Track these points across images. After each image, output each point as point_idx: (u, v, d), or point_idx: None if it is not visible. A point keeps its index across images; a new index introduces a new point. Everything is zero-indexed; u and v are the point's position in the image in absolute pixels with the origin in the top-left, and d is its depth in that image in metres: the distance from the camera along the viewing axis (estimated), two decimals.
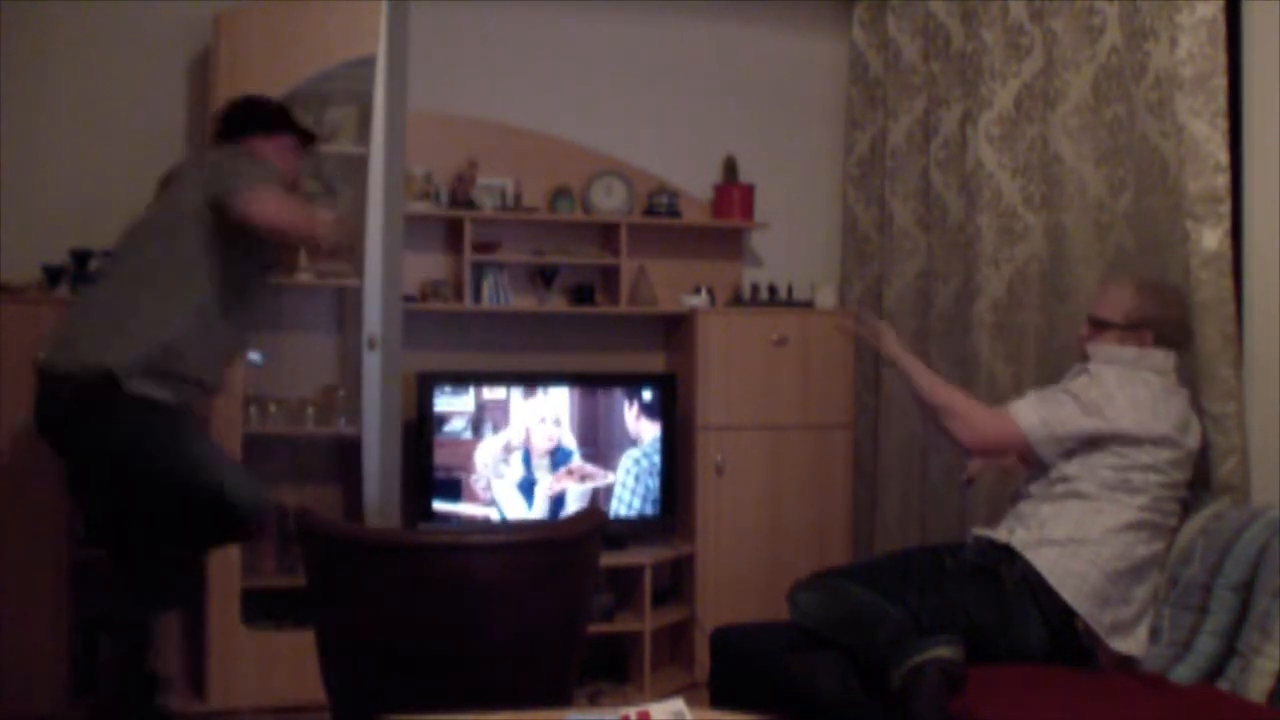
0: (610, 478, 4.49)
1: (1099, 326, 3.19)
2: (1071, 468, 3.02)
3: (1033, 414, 3.04)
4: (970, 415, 3.14)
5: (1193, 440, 3.06)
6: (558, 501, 4.44)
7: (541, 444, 4.41)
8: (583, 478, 4.46)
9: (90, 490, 3.44)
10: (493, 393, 4.41)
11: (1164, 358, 3.12)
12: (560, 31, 4.76)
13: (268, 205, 3.25)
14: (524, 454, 4.40)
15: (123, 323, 3.23)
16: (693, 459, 4.53)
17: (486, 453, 4.36)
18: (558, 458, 4.44)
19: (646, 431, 4.54)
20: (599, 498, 4.48)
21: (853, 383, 4.71)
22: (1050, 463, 3.05)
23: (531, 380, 4.47)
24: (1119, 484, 2.98)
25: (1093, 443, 2.99)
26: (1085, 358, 3.18)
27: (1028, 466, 3.19)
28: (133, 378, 3.16)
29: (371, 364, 4.01)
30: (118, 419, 3.20)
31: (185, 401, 3.32)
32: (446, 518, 4.30)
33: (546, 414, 4.44)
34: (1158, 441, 2.98)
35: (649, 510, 4.54)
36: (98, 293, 3.43)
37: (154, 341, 3.21)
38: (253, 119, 3.59)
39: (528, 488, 4.40)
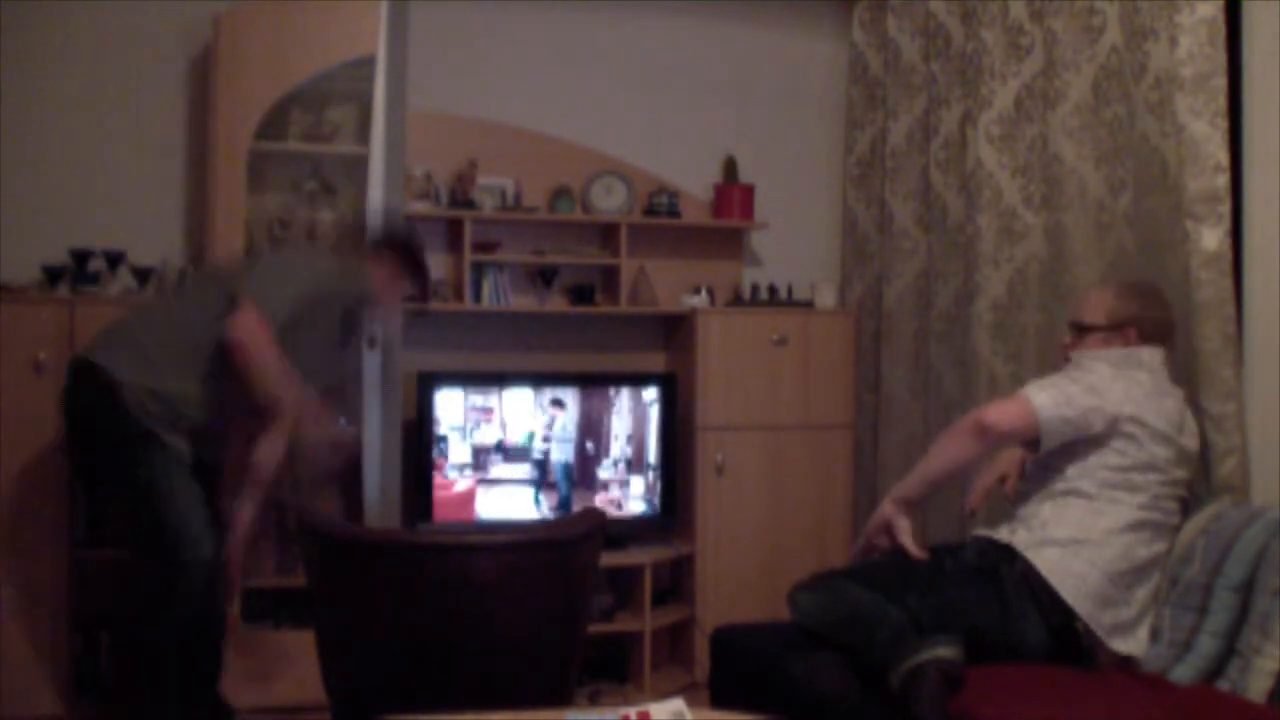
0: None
1: (1082, 331, 3.19)
2: (1072, 468, 3.02)
3: (1041, 393, 3.00)
4: (981, 416, 3.05)
5: (1188, 440, 3.06)
6: (562, 504, 4.45)
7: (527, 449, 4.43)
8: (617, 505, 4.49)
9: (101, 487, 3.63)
10: (492, 392, 4.41)
11: (1151, 354, 3.11)
12: (560, 31, 4.76)
13: (242, 330, 3.23)
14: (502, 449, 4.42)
15: (148, 358, 3.34)
16: (693, 459, 4.53)
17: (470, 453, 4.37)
18: (558, 473, 4.44)
19: (645, 432, 4.54)
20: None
21: (853, 383, 4.71)
22: (1049, 448, 3.01)
23: (531, 380, 4.47)
24: (1120, 483, 2.97)
25: (1093, 440, 2.99)
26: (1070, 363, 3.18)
27: (1023, 474, 3.19)
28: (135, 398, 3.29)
29: (371, 364, 4.01)
30: (118, 423, 3.31)
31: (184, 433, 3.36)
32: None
33: (526, 423, 4.43)
34: (1154, 436, 2.98)
35: (649, 510, 4.54)
36: (146, 314, 3.59)
37: (161, 389, 3.31)
38: (378, 240, 3.76)
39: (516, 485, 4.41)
